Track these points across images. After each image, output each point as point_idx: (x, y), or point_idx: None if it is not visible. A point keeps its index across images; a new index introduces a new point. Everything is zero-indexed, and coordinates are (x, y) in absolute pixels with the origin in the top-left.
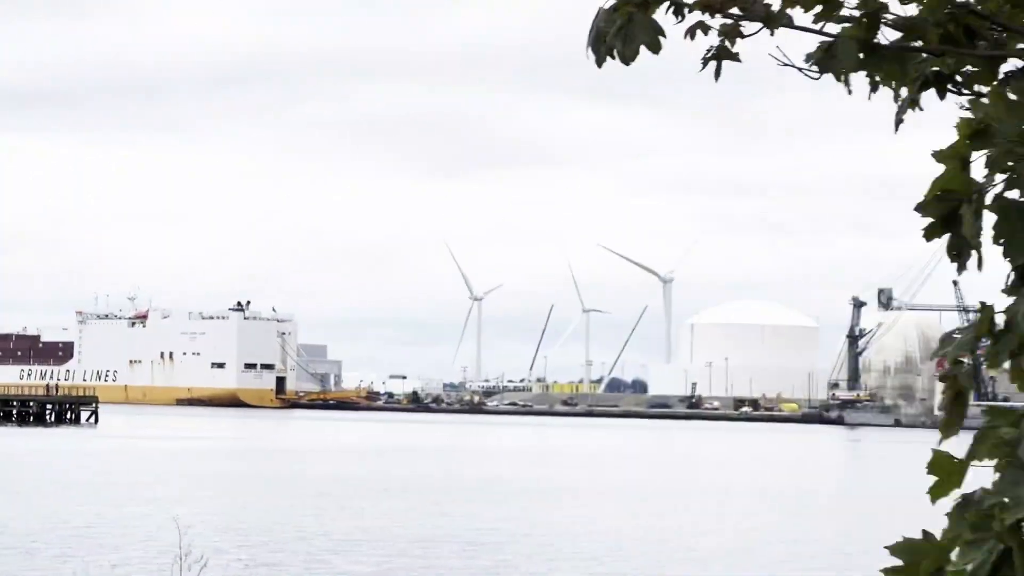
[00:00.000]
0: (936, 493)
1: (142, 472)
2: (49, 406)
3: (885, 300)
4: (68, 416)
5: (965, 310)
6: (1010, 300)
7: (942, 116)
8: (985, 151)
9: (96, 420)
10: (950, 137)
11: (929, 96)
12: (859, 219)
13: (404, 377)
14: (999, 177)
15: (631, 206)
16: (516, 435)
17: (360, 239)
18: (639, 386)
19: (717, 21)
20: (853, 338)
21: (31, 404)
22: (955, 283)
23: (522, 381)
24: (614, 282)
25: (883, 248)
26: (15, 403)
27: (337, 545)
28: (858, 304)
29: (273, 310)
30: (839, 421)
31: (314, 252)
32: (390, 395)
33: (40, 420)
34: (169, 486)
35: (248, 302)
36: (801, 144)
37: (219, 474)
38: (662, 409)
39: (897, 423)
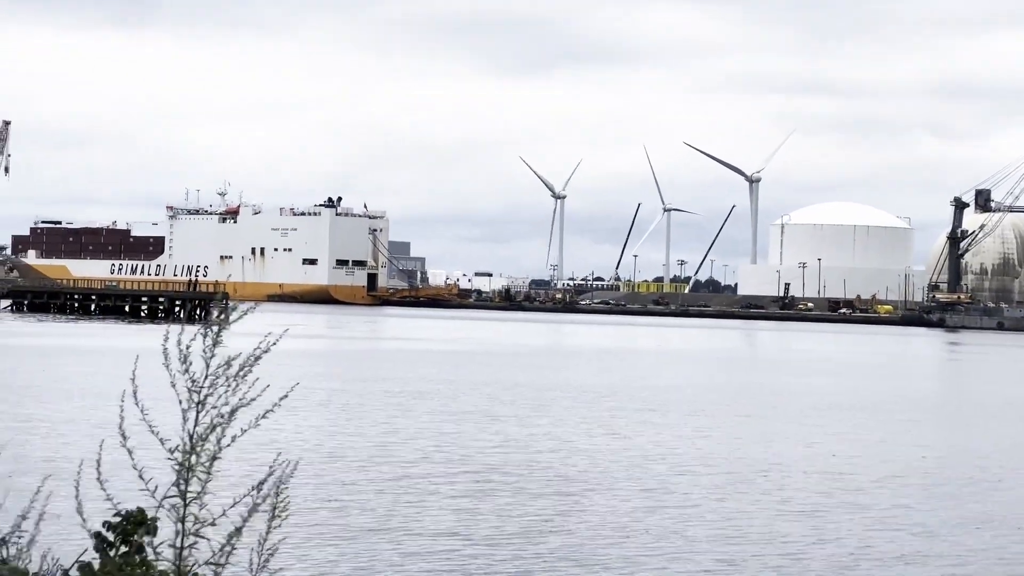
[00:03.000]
0: None
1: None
2: (179, 302)
3: (983, 202)
4: (198, 313)
5: None
6: None
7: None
8: None
9: (227, 318)
10: None
11: None
12: (938, 120)
13: (490, 275)
14: None
15: (711, 106)
16: (643, 335)
17: (437, 137)
18: (715, 286)
19: None
20: (954, 240)
21: (161, 300)
22: None
23: (605, 280)
24: (695, 182)
25: (965, 149)
26: (145, 299)
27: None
28: (960, 205)
29: (364, 207)
30: (939, 324)
31: (391, 150)
32: (479, 292)
33: (170, 316)
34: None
35: (340, 198)
36: (880, 46)
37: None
38: (756, 310)
39: (1000, 326)
